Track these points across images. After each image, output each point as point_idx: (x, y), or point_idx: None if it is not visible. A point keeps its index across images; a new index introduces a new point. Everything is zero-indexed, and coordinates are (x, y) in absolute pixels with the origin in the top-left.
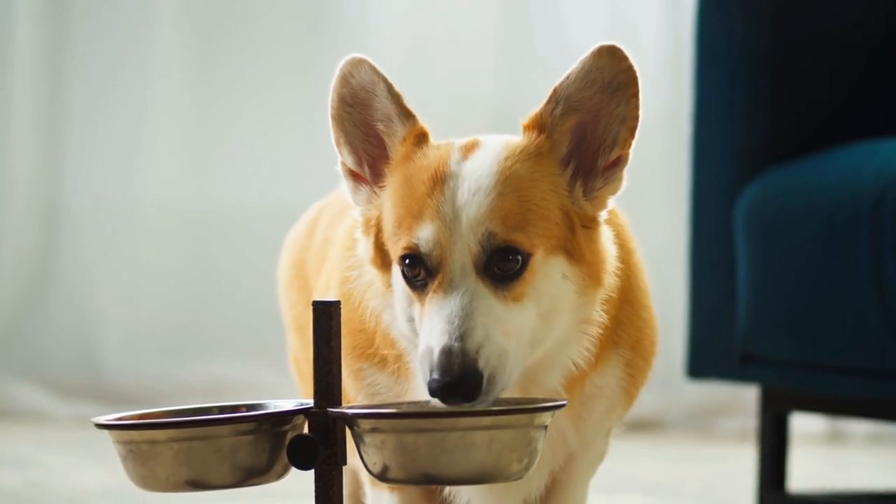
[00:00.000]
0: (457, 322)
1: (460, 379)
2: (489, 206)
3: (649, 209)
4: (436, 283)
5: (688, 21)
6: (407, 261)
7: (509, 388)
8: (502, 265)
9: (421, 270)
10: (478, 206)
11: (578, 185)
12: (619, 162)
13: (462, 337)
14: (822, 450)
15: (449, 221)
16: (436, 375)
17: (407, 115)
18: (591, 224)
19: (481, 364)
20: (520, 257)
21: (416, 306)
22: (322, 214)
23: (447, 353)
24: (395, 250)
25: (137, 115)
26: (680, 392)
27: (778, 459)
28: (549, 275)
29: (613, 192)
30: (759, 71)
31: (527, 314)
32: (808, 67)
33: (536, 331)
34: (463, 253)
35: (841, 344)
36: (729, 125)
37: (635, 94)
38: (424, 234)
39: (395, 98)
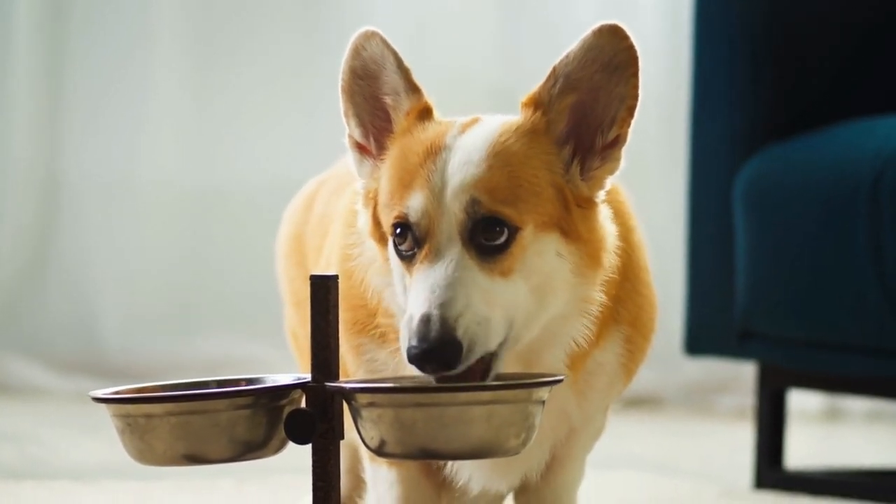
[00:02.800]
0: (438, 291)
1: (437, 346)
2: (476, 176)
3: (648, 186)
4: (423, 252)
5: None
6: (397, 230)
7: (502, 363)
8: (488, 235)
9: (410, 240)
10: (464, 175)
11: (576, 164)
12: (618, 142)
13: (442, 305)
14: (819, 427)
15: (437, 192)
16: (413, 342)
17: (413, 89)
18: (586, 204)
19: (460, 333)
20: (506, 229)
21: (408, 277)
22: (321, 189)
23: (426, 320)
24: (387, 220)
25: (138, 91)
26: (678, 369)
27: (776, 436)
28: (541, 252)
29: (611, 173)
30: (758, 47)
31: (515, 289)
32: (807, 44)
33: (529, 307)
34: (449, 222)
35: (839, 321)
36: (728, 102)
37: (635, 74)
38: (413, 204)
39: (404, 72)
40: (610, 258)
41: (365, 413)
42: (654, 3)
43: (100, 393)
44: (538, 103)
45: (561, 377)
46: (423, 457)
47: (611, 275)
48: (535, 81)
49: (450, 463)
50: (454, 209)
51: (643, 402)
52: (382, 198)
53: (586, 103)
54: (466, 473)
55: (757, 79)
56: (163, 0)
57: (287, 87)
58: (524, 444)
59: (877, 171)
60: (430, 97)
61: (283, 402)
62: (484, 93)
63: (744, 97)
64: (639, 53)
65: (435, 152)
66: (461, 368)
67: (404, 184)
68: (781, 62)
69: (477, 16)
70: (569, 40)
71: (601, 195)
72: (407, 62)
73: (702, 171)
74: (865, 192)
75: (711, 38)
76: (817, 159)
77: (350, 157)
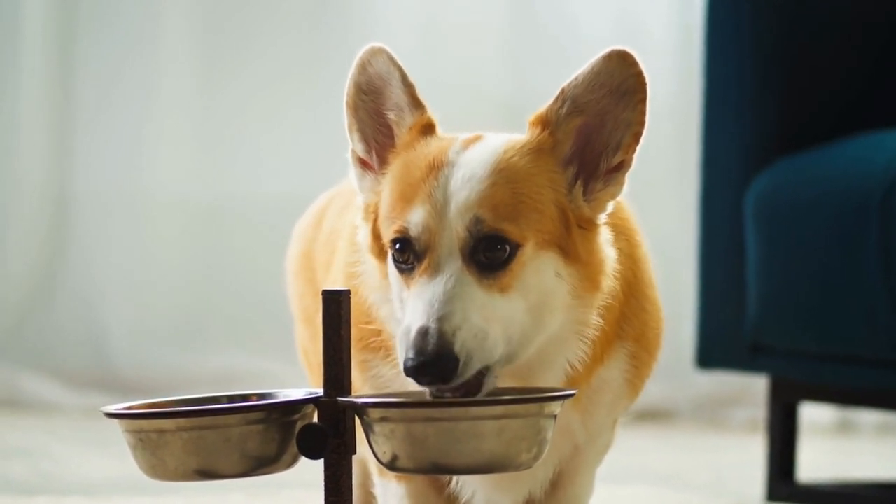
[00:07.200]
0: (437, 305)
1: (434, 359)
2: (480, 194)
3: (659, 199)
4: (422, 267)
5: (698, 10)
6: (397, 244)
7: (497, 373)
8: (489, 253)
9: (410, 255)
10: (468, 193)
11: (578, 185)
12: (622, 167)
13: (440, 319)
14: (831, 440)
15: (439, 207)
16: (410, 355)
17: (417, 105)
18: (588, 225)
19: (457, 347)
20: (507, 247)
21: (406, 291)
22: (330, 205)
23: (423, 333)
24: (387, 234)
25: (145, 107)
26: (689, 382)
27: (787, 450)
28: (540, 270)
29: (613, 196)
30: (768, 61)
31: (513, 306)
32: (818, 57)
33: (526, 325)
34: (450, 238)
35: (850, 334)
36: (739, 115)
37: (642, 101)
38: (414, 219)
39: (408, 88)
40: (608, 282)
41: (377, 428)
42: (665, 15)
43: (112, 408)
44: (545, 123)
45: (573, 391)
46: (435, 471)
47: (614, 292)
48: (543, 96)
49: (455, 478)
50: (457, 227)
51: (654, 416)
52: (383, 211)
53: (593, 126)
54: (470, 489)
55: (768, 93)
56: (171, 18)
57: (295, 103)
58: (536, 458)
59: (887, 185)
60: (433, 113)
61: (296, 417)
62: (492, 106)
63: (755, 111)
64: (647, 80)
65: (437, 167)
66: (458, 382)
67: (406, 198)
68: (792, 76)
69: (486, 29)
70: (578, 55)
71: (603, 217)
72: (412, 78)
73: (713, 185)
74: (876, 205)
75: (722, 50)
76: (828, 173)
77: (352, 173)
